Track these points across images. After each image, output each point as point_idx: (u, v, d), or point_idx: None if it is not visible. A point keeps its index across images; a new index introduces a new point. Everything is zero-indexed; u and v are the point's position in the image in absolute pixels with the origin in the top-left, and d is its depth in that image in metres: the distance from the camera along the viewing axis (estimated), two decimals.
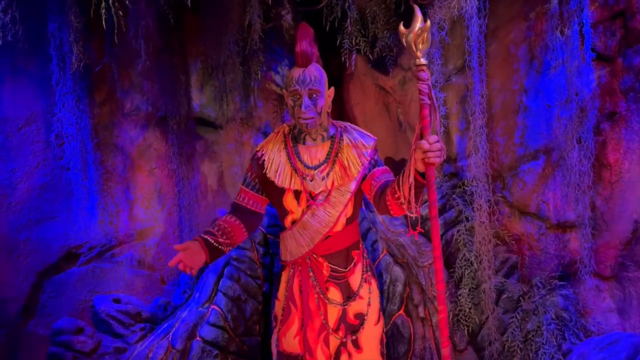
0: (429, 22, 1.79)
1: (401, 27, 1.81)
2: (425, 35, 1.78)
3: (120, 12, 2.41)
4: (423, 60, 1.80)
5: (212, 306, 2.85)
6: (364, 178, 2.14)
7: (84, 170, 3.08)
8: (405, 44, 1.80)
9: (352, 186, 2.12)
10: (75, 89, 2.98)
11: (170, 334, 2.80)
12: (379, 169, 2.14)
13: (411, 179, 1.88)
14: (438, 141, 1.82)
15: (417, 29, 1.77)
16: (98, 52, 3.04)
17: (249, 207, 2.23)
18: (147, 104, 3.25)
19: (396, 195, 1.96)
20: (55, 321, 2.85)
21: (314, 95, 2.06)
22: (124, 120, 3.22)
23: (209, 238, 2.11)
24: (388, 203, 2.02)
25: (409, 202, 1.92)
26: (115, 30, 2.51)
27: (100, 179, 3.18)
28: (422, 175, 1.88)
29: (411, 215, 1.94)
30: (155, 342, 2.78)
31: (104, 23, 2.40)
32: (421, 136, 1.84)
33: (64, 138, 3.02)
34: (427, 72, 1.81)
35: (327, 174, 2.10)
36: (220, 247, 2.11)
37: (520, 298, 2.90)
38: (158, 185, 3.31)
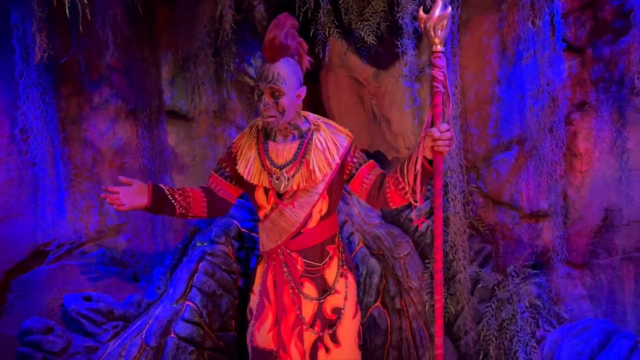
0: (449, 9, 1.77)
1: (421, 13, 1.79)
2: (445, 22, 1.76)
3: (85, 0, 2.34)
4: (440, 47, 1.78)
5: (187, 302, 2.81)
6: (351, 177, 2.12)
7: (50, 165, 3.00)
8: (423, 29, 1.78)
9: (320, 188, 2.08)
10: (40, 81, 2.89)
11: (144, 331, 2.75)
12: (366, 166, 2.11)
13: (418, 166, 1.88)
14: (449, 130, 1.82)
15: (437, 15, 1.75)
16: (64, 43, 2.95)
17: (216, 191, 2.22)
18: (117, 97, 3.18)
19: (400, 186, 1.95)
20: (23, 321, 2.76)
21: (276, 94, 1.99)
22: (93, 114, 3.15)
23: (163, 187, 2.07)
24: (389, 196, 2.02)
25: (413, 190, 1.91)
26: (81, 20, 2.43)
27: (69, 174, 3.10)
28: (429, 163, 1.87)
29: (415, 203, 1.93)
30: (129, 340, 2.73)
31: (67, 12, 2.32)
32: (432, 124, 1.83)
33: (28, 132, 2.94)
34: (443, 59, 1.79)
35: (293, 175, 2.06)
36: (171, 200, 2.08)
37: (495, 287, 2.93)
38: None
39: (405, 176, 1.92)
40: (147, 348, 2.70)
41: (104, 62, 3.00)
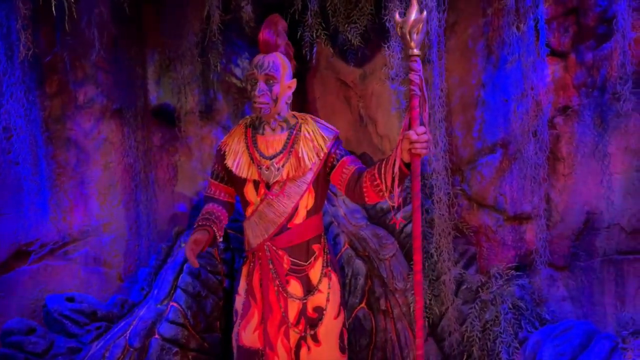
0: (424, 13, 1.80)
1: (396, 17, 1.81)
2: (421, 25, 1.78)
3: None
4: (416, 51, 1.80)
5: (172, 303, 2.80)
6: (332, 168, 2.14)
7: (34, 164, 2.97)
8: (399, 33, 1.81)
9: (308, 177, 2.12)
10: (25, 79, 2.86)
11: (128, 332, 2.73)
12: (347, 158, 2.15)
13: (396, 169, 1.90)
14: (426, 132, 1.84)
15: (412, 19, 1.77)
16: (48, 41, 2.93)
17: (221, 198, 2.25)
18: (102, 95, 3.16)
19: (375, 183, 1.98)
20: (5, 322, 2.74)
21: (270, 81, 2.07)
22: (78, 113, 3.12)
23: (217, 231, 2.14)
24: (365, 190, 2.04)
25: (390, 191, 1.93)
26: (67, 18, 2.42)
27: (52, 173, 3.07)
28: (407, 165, 1.89)
29: (392, 204, 1.95)
30: (112, 341, 2.71)
31: (53, 10, 2.31)
32: (409, 127, 1.85)
33: (12, 131, 2.89)
34: (420, 63, 1.82)
35: (283, 165, 2.10)
36: (216, 241, 2.18)
37: (479, 289, 2.96)
38: (114, 179, 3.22)
39: (382, 176, 1.95)
40: (131, 349, 2.68)
41: (90, 61, 2.98)
